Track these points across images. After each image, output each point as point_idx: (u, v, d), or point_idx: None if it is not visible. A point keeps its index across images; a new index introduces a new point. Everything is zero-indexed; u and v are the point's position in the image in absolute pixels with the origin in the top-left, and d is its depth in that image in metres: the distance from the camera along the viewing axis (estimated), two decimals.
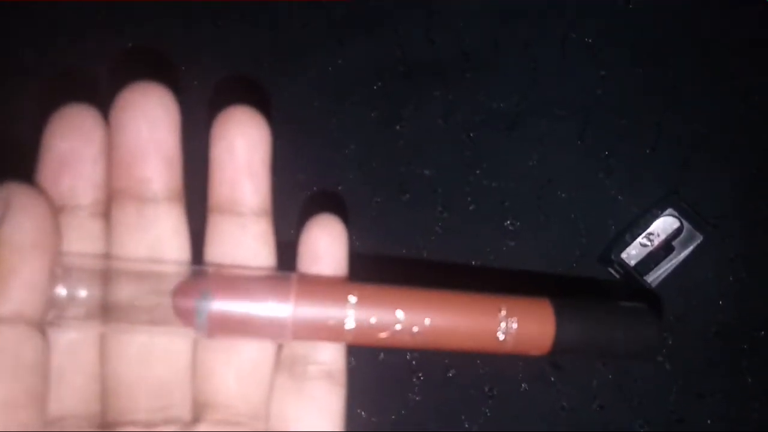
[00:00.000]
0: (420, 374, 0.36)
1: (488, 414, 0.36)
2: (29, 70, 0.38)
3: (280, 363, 0.20)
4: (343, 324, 0.18)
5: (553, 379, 0.36)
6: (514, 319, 0.19)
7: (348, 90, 0.40)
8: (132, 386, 0.18)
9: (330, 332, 0.18)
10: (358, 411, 0.35)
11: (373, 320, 0.18)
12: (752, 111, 0.39)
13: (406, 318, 0.18)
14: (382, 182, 0.39)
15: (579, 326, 0.19)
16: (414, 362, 0.36)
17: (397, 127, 0.40)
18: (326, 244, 0.19)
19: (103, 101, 0.18)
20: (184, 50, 0.39)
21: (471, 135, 0.40)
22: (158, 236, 0.18)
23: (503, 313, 0.19)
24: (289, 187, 0.37)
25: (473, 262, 0.38)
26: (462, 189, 0.39)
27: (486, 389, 0.36)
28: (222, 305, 0.17)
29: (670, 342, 0.36)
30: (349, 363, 0.20)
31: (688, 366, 0.36)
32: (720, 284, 0.37)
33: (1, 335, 0.15)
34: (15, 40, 0.39)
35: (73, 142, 0.18)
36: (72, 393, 0.18)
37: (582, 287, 0.37)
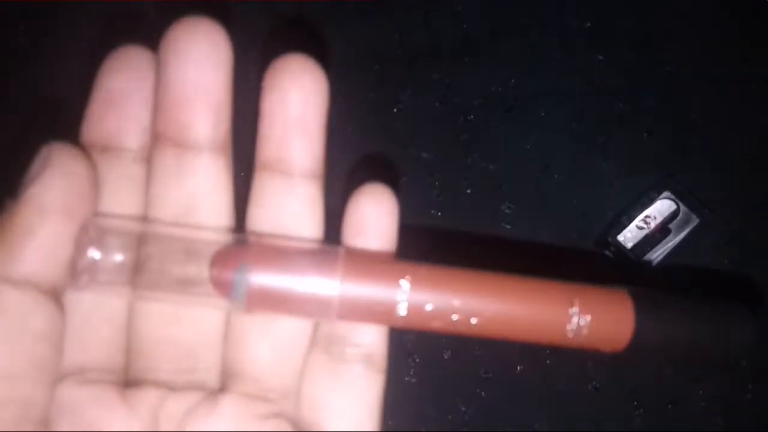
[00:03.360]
0: (415, 356, 0.36)
1: (483, 396, 0.36)
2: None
3: (315, 340, 0.18)
4: (395, 309, 0.16)
5: (548, 361, 0.36)
6: (588, 313, 0.16)
7: (346, 73, 0.40)
8: (157, 345, 0.17)
9: (379, 316, 0.16)
10: None
11: (428, 308, 0.16)
12: (749, 95, 0.39)
13: (465, 307, 0.16)
14: (379, 165, 0.39)
15: (661, 324, 0.17)
16: (409, 344, 0.36)
17: (395, 110, 0.39)
18: (375, 216, 0.18)
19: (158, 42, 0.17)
20: None
21: (468, 118, 0.39)
22: (196, 187, 0.17)
23: (576, 306, 0.16)
24: None
25: (469, 245, 0.38)
26: (459, 172, 0.39)
27: (481, 371, 0.36)
28: (263, 278, 0.16)
29: None
30: None
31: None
32: (716, 267, 0.37)
33: (7, 299, 0.15)
34: None
35: (123, 82, 0.17)
36: (97, 343, 0.17)
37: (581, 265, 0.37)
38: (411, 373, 0.36)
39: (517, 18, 0.41)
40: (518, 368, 0.36)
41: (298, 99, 0.17)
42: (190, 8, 0.17)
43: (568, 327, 0.16)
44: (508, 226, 0.38)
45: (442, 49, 0.40)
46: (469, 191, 0.39)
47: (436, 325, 0.17)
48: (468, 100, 0.40)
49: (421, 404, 0.36)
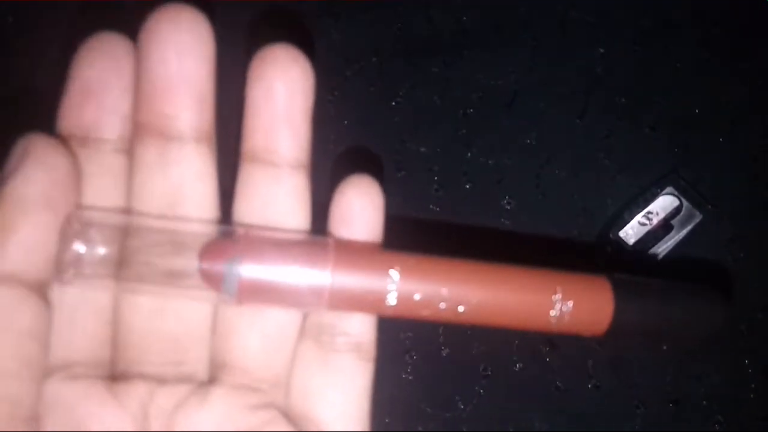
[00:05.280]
0: (413, 353, 0.36)
1: (482, 393, 0.35)
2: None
3: (305, 330, 0.18)
4: (385, 298, 0.17)
5: (548, 358, 0.36)
6: (570, 299, 0.17)
7: (344, 66, 0.39)
8: (144, 337, 0.17)
9: (369, 305, 0.17)
10: None
11: (417, 297, 0.17)
12: (753, 91, 0.39)
13: (452, 295, 0.17)
14: (378, 159, 0.38)
15: (639, 308, 0.18)
16: (407, 341, 0.36)
17: (393, 104, 0.39)
18: (361, 207, 0.18)
19: (136, 31, 0.17)
20: None
21: (468, 112, 0.39)
22: (181, 178, 0.17)
23: (558, 293, 0.17)
24: None
25: (468, 241, 0.37)
26: (458, 167, 0.38)
27: (480, 368, 0.36)
28: (253, 270, 0.16)
29: None
30: None
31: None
32: (718, 264, 0.37)
33: None
34: None
35: (100, 71, 0.16)
36: (82, 337, 0.17)
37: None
38: (408, 370, 0.36)
39: (517, 11, 0.40)
40: (517, 366, 0.36)
41: (284, 89, 0.17)
42: None
43: (552, 313, 0.17)
44: (508, 222, 0.38)
45: (441, 42, 0.40)
46: (468, 186, 0.38)
47: (424, 313, 0.17)
48: (468, 94, 0.39)
49: (418, 402, 0.35)
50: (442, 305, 0.17)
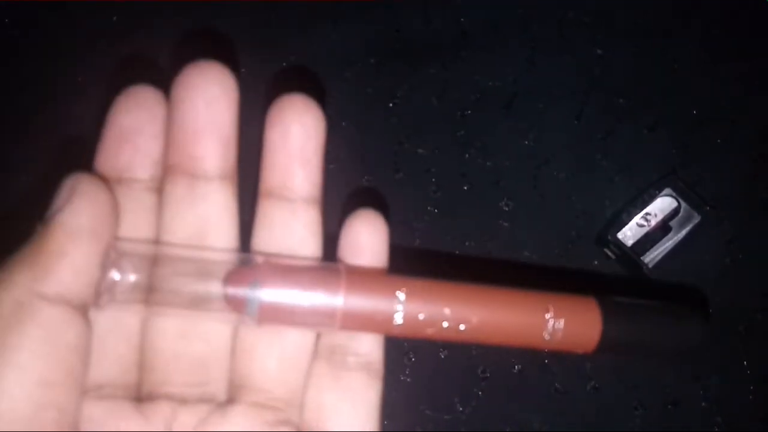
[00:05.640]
0: (411, 355, 0.36)
1: (481, 395, 0.35)
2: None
3: (318, 351, 0.20)
4: (392, 319, 0.18)
5: (546, 361, 0.35)
6: (561, 318, 0.19)
7: (342, 67, 0.39)
8: (170, 360, 0.19)
9: (378, 325, 0.18)
10: None
11: (421, 317, 0.18)
12: (751, 92, 0.39)
13: (454, 315, 0.18)
14: (375, 161, 0.38)
15: (625, 327, 0.19)
16: (406, 343, 0.36)
17: (391, 105, 0.39)
18: (368, 238, 0.19)
19: (167, 84, 0.19)
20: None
21: (466, 114, 0.39)
22: (207, 212, 0.19)
23: (551, 312, 0.19)
24: None
25: (466, 243, 0.37)
26: (456, 168, 0.38)
27: (479, 371, 0.35)
28: (273, 294, 0.18)
29: None
30: None
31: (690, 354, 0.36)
32: (717, 266, 0.37)
33: (42, 314, 0.16)
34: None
35: (135, 119, 0.18)
36: (113, 361, 0.18)
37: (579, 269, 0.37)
38: (407, 372, 0.36)
39: (516, 13, 0.40)
40: (516, 368, 0.36)
41: (299, 132, 0.19)
42: (197, 53, 0.19)
43: (545, 331, 0.19)
44: (506, 223, 0.38)
45: (439, 43, 0.40)
46: (466, 188, 0.38)
47: (429, 332, 0.18)
48: (466, 95, 0.39)
49: (417, 404, 0.35)
50: (445, 324, 0.18)
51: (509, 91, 0.39)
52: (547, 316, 0.18)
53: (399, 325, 0.18)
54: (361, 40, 0.40)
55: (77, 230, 0.16)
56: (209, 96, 0.18)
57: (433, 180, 0.38)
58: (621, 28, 0.40)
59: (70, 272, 0.16)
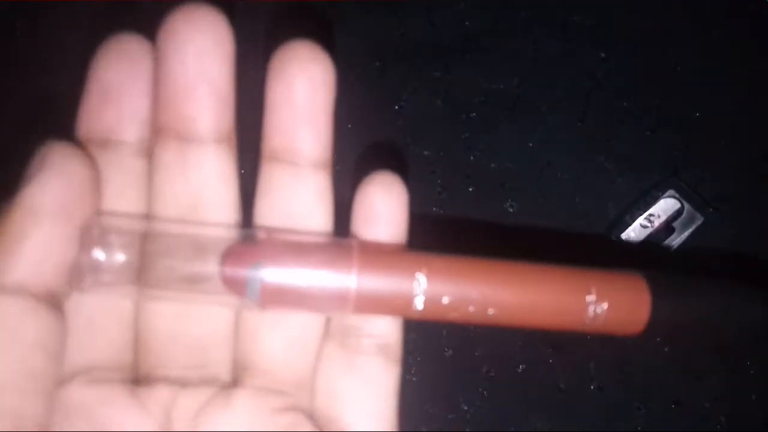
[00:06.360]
0: (417, 354, 0.36)
1: (485, 395, 0.35)
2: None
3: (329, 332, 0.18)
4: (412, 302, 0.16)
5: (551, 360, 0.36)
6: (605, 299, 0.16)
7: (347, 70, 0.39)
8: (167, 340, 0.17)
9: (396, 309, 0.16)
10: None
11: (445, 300, 0.16)
12: (754, 93, 0.39)
13: (482, 297, 0.16)
14: (380, 163, 0.38)
15: (677, 307, 0.17)
16: (410, 343, 0.36)
17: (396, 108, 0.39)
18: (385, 206, 0.17)
19: (154, 31, 0.16)
20: None
21: (470, 116, 0.39)
22: (202, 181, 0.17)
23: (593, 293, 0.16)
24: None
25: (471, 244, 0.37)
26: (461, 170, 0.38)
27: (483, 370, 0.36)
28: (277, 275, 0.16)
29: None
30: None
31: (686, 348, 0.36)
32: (720, 267, 0.37)
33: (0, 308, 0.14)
34: None
35: (119, 73, 0.16)
36: (103, 341, 0.17)
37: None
38: (412, 371, 0.36)
39: (519, 15, 0.40)
40: (521, 367, 0.36)
41: (305, 87, 0.16)
42: None
43: (586, 314, 0.16)
44: (510, 225, 0.38)
45: (444, 46, 0.40)
46: (471, 189, 0.38)
47: (452, 316, 0.16)
48: (470, 97, 0.39)
49: (422, 403, 0.35)
50: (471, 308, 0.16)
51: (513, 94, 0.39)
52: (589, 297, 0.16)
53: (419, 310, 0.16)
54: (365, 43, 0.40)
55: (42, 209, 0.14)
56: (199, 45, 0.16)
57: (438, 181, 0.38)
58: (623, 31, 0.40)
59: (30, 258, 0.14)
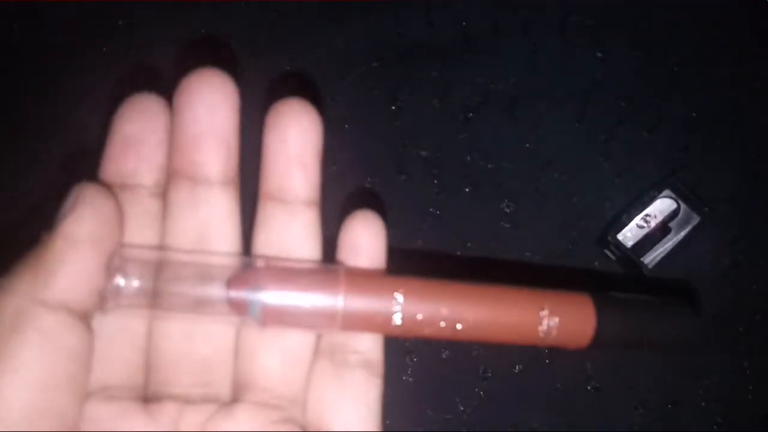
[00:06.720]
0: (413, 356, 0.36)
1: (482, 395, 0.36)
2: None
3: (319, 350, 0.20)
4: (391, 319, 0.18)
5: (547, 360, 0.36)
6: (556, 315, 0.19)
7: (345, 70, 0.40)
8: (174, 361, 0.19)
9: (378, 326, 0.19)
10: None
11: (419, 317, 0.19)
12: (751, 94, 0.39)
13: (450, 315, 0.19)
14: (378, 163, 0.39)
15: (619, 323, 0.20)
16: (407, 344, 0.36)
17: (394, 108, 0.39)
18: (366, 239, 0.20)
19: (170, 92, 0.19)
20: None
21: (468, 116, 0.39)
22: (209, 216, 0.19)
23: (545, 310, 0.19)
24: None
25: (468, 244, 0.38)
26: (459, 170, 0.39)
27: (480, 371, 0.36)
28: (275, 297, 0.18)
29: None
30: None
31: (683, 348, 0.36)
32: (717, 267, 0.37)
33: (42, 320, 0.16)
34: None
35: (138, 127, 0.19)
36: (119, 363, 0.19)
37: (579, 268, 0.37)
38: (409, 372, 0.36)
39: (517, 15, 0.40)
40: (517, 368, 0.36)
41: (298, 136, 0.19)
42: (200, 60, 0.19)
43: (540, 328, 0.19)
44: (508, 225, 0.38)
45: (442, 46, 0.40)
46: (468, 190, 0.38)
47: (426, 331, 0.19)
48: (468, 98, 0.39)
49: (419, 404, 0.36)
50: (442, 324, 0.19)
51: (511, 94, 0.39)
52: (542, 313, 0.19)
53: (398, 325, 0.18)
54: (364, 43, 0.40)
55: (79, 239, 0.17)
56: (211, 103, 0.18)
57: (436, 182, 0.38)
58: (621, 31, 0.40)
59: (71, 280, 0.16)
